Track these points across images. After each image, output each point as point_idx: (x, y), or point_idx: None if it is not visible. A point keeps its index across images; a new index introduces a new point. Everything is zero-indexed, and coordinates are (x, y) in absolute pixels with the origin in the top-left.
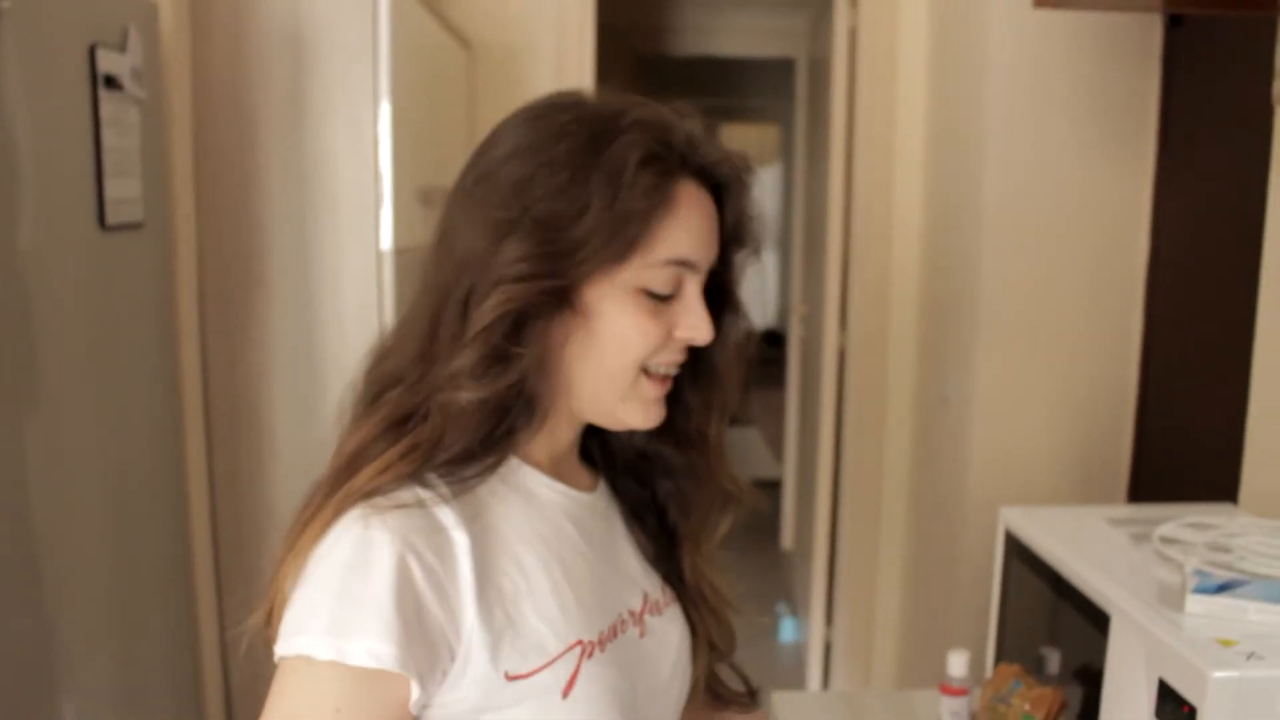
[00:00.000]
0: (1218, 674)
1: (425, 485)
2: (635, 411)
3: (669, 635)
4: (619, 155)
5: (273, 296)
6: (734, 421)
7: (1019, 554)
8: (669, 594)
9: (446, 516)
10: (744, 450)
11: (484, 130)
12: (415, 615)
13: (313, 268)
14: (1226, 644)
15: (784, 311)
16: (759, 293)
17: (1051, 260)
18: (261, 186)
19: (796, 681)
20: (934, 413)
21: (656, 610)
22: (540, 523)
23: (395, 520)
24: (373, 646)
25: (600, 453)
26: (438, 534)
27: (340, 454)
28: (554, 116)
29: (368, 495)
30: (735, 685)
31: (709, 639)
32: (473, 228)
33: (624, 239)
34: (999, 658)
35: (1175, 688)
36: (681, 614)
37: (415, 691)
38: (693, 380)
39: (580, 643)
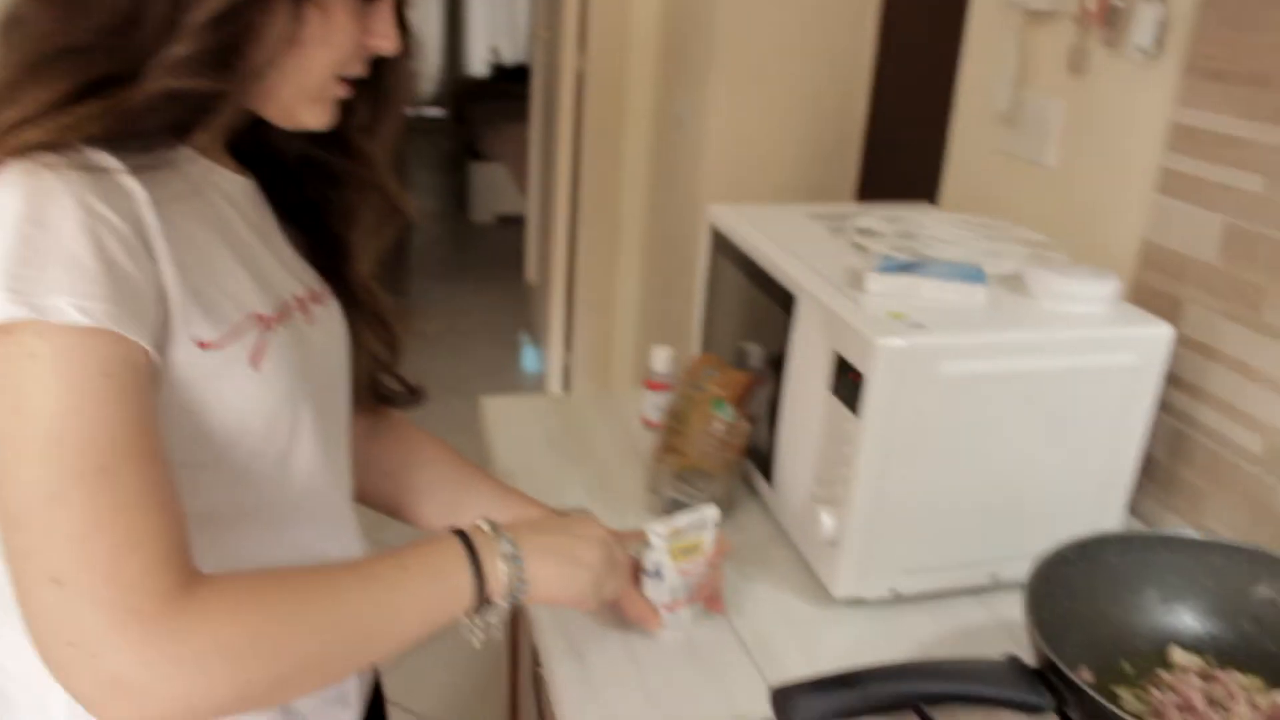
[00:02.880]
0: (882, 341)
1: (95, 152)
2: (316, 113)
3: (333, 327)
4: None
5: None
6: (480, 157)
7: (723, 250)
8: (325, 289)
9: (125, 181)
10: (491, 186)
11: None
12: (119, 269)
13: None
14: (897, 317)
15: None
16: (509, 26)
17: None
18: None
19: None
20: (670, 134)
21: (320, 300)
22: (203, 205)
23: (72, 174)
24: (84, 304)
25: (250, 147)
26: (117, 193)
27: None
28: None
29: (30, 151)
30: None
31: (370, 348)
32: None
33: None
34: (704, 352)
35: (847, 358)
36: (340, 312)
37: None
38: (365, 94)
39: (260, 315)
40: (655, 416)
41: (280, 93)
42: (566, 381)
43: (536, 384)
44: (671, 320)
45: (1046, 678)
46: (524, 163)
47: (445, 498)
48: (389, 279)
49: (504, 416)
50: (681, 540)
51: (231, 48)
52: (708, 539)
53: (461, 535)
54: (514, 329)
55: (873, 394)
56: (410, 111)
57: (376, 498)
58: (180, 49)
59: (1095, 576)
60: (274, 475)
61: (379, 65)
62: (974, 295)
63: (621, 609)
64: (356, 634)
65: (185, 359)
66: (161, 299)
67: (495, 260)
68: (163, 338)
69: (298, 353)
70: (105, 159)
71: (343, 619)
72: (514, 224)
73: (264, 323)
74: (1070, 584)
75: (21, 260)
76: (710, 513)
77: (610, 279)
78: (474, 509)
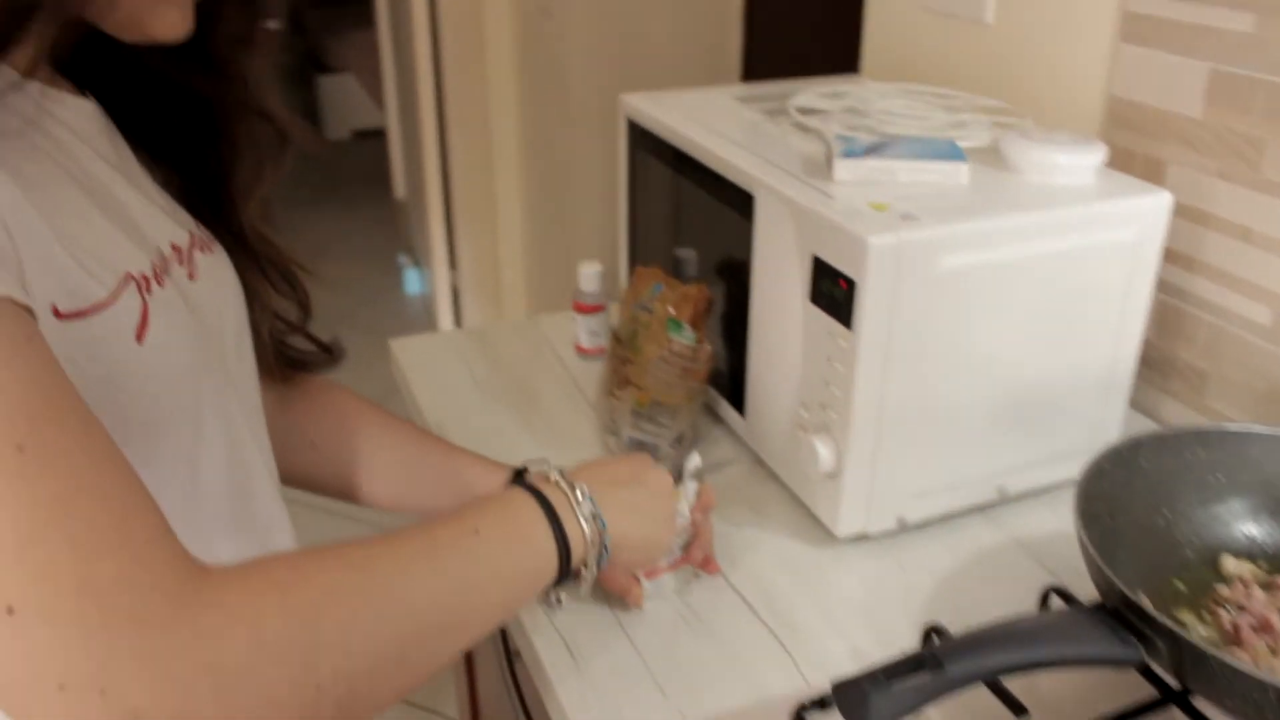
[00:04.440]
0: (874, 239)
1: None
2: (169, 19)
3: (225, 279)
4: None
5: None
6: (327, 69)
7: (646, 145)
8: (208, 234)
9: None
10: (342, 100)
11: None
12: None
13: None
14: (879, 208)
15: None
16: None
17: None
18: None
19: (429, 330)
20: (536, 25)
21: (207, 248)
22: (43, 140)
23: None
24: None
25: (91, 67)
26: None
27: None
28: None
29: None
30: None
31: (276, 309)
32: None
33: None
34: (633, 266)
35: (829, 261)
36: (228, 259)
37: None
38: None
39: (131, 276)
40: (590, 343)
41: None
42: (456, 303)
43: (424, 307)
44: (565, 228)
45: (1125, 619)
46: (377, 72)
47: (396, 470)
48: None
49: (418, 359)
50: None
51: None
52: (688, 491)
53: (530, 489)
54: (391, 251)
55: (867, 301)
56: None
57: (306, 475)
58: None
59: (1133, 487)
60: (179, 469)
61: None
62: (957, 174)
63: (602, 582)
64: (434, 619)
65: (47, 333)
66: (10, 242)
67: (358, 179)
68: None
69: (188, 316)
70: None
71: (416, 601)
72: (373, 138)
73: (141, 284)
74: (1112, 499)
75: None
76: (692, 461)
77: (489, 188)
78: (433, 480)
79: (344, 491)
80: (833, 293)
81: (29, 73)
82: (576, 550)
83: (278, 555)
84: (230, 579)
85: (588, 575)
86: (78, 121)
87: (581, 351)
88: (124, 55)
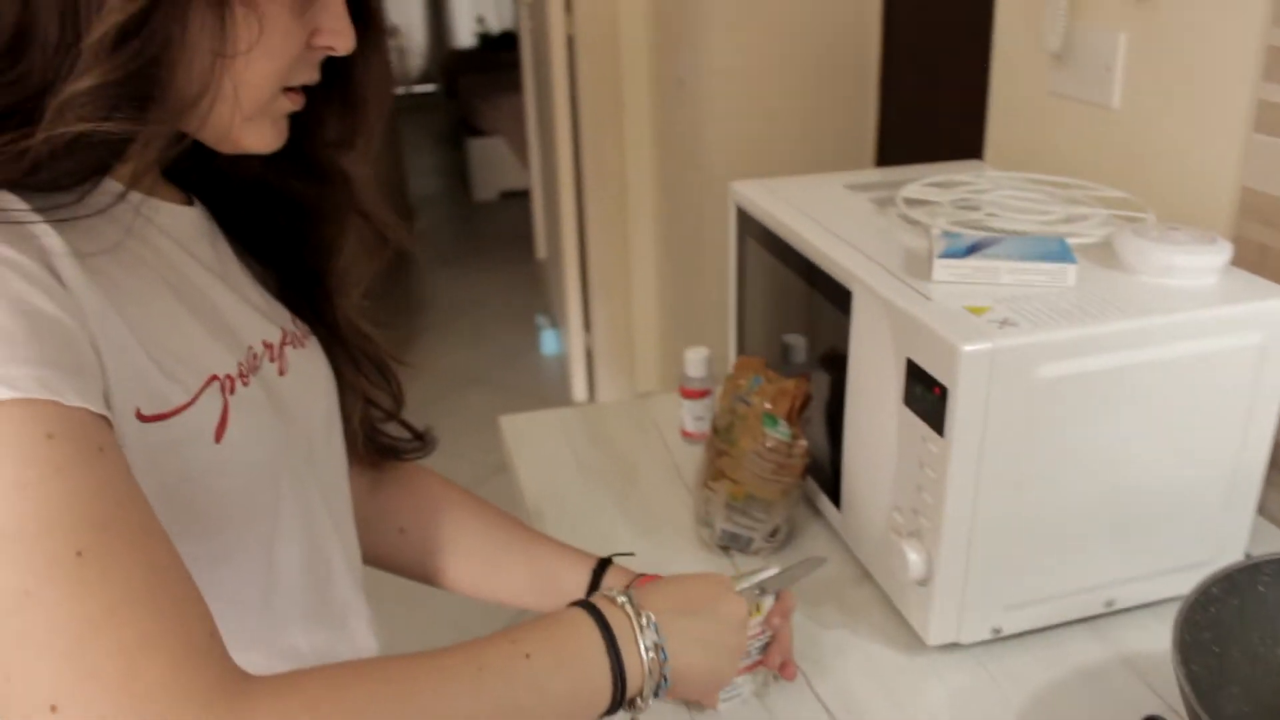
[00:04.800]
0: (967, 347)
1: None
2: (262, 134)
3: (316, 373)
4: None
5: None
6: (477, 132)
7: (754, 232)
8: (303, 328)
9: (38, 230)
10: (491, 162)
11: None
12: (42, 318)
13: None
14: (977, 311)
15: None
16: None
17: None
18: None
19: (562, 394)
20: (671, 97)
21: (298, 343)
22: (141, 248)
23: None
24: (4, 371)
25: (195, 171)
26: (28, 244)
27: None
28: None
29: None
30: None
31: (369, 397)
32: None
33: None
34: (740, 351)
35: (924, 367)
36: (322, 352)
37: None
38: (328, 104)
39: (216, 377)
40: (695, 427)
41: (216, 115)
42: (590, 366)
43: (559, 368)
44: (695, 298)
45: None
46: (523, 135)
47: (478, 556)
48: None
49: (526, 435)
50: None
51: (146, 75)
52: (768, 604)
53: (592, 610)
54: (530, 311)
55: (959, 409)
56: (400, 89)
57: (392, 559)
58: (84, 82)
59: (1247, 615)
60: (256, 560)
61: (344, 65)
62: (1064, 277)
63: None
64: None
65: (125, 435)
66: (98, 362)
67: (503, 239)
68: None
69: (270, 413)
70: (8, 199)
71: None
72: (519, 199)
73: (225, 385)
74: (1222, 627)
75: None
76: (770, 576)
77: (624, 253)
78: (515, 567)
79: (428, 576)
80: (926, 397)
81: (132, 183)
82: (633, 681)
83: (319, 669)
84: (265, 693)
85: (643, 705)
86: (178, 228)
87: (686, 436)
88: (225, 161)
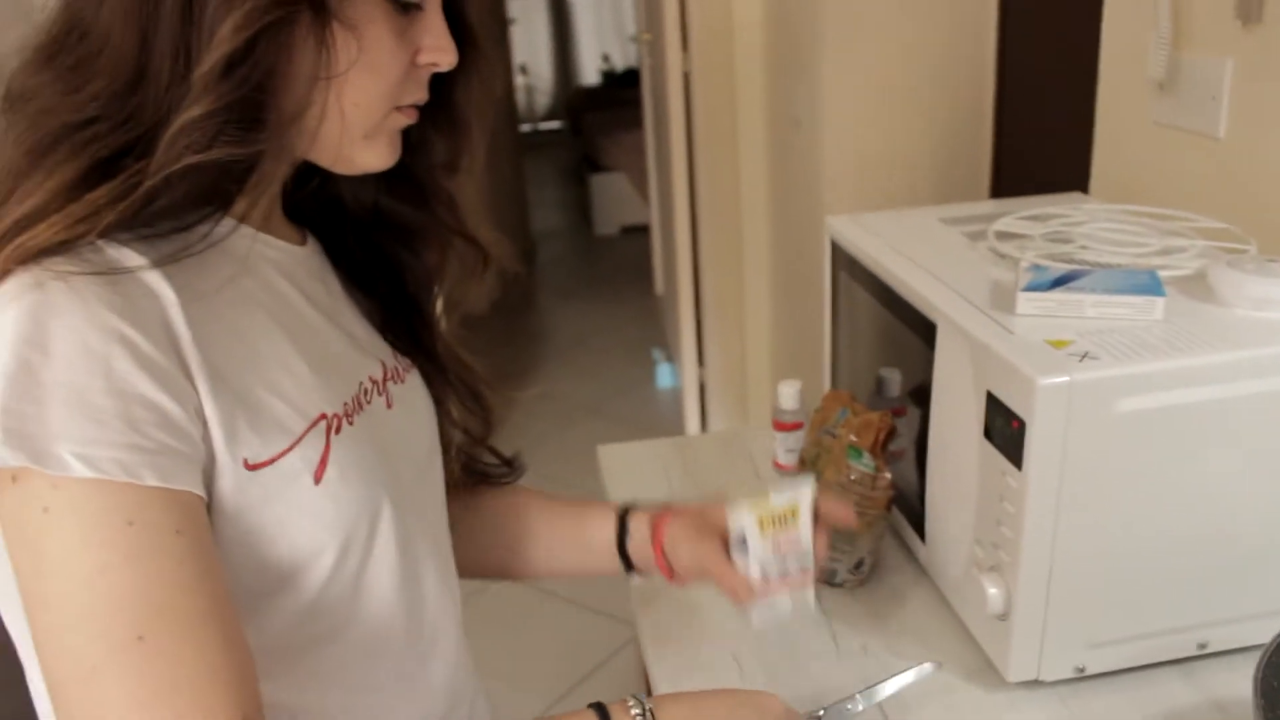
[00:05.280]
0: (1044, 380)
1: (116, 247)
2: (376, 151)
3: (417, 404)
4: None
5: None
6: (600, 168)
7: (847, 266)
8: (405, 361)
9: (151, 279)
10: (612, 197)
11: None
12: (137, 400)
13: None
14: (1058, 345)
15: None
16: (616, 31)
17: None
18: None
19: (676, 426)
20: (786, 135)
21: (398, 378)
22: (254, 285)
23: (84, 286)
24: (88, 452)
25: (311, 205)
26: (141, 300)
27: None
28: None
29: (40, 256)
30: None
31: (463, 423)
32: None
33: None
34: (834, 384)
35: (1003, 400)
36: (424, 384)
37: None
38: (434, 126)
39: (324, 416)
40: (786, 459)
41: (327, 136)
42: (703, 400)
43: (674, 401)
44: (805, 334)
45: None
46: (644, 170)
47: (543, 545)
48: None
49: (622, 465)
50: (768, 508)
51: (255, 100)
52: (804, 509)
53: (601, 711)
54: (647, 344)
55: (1036, 443)
56: (527, 127)
57: (481, 570)
58: (194, 111)
59: None
60: (352, 595)
61: (449, 87)
62: (1151, 310)
63: (714, 580)
64: None
65: (232, 485)
66: (199, 422)
67: (623, 273)
68: (207, 465)
69: (373, 448)
70: (127, 255)
71: None
72: (639, 234)
73: (332, 424)
74: None
75: (21, 394)
76: (806, 484)
77: (739, 289)
78: (566, 546)
79: (505, 574)
80: (1005, 431)
81: (244, 217)
82: None
83: None
84: None
85: None
86: (292, 266)
87: (778, 468)
88: (341, 188)
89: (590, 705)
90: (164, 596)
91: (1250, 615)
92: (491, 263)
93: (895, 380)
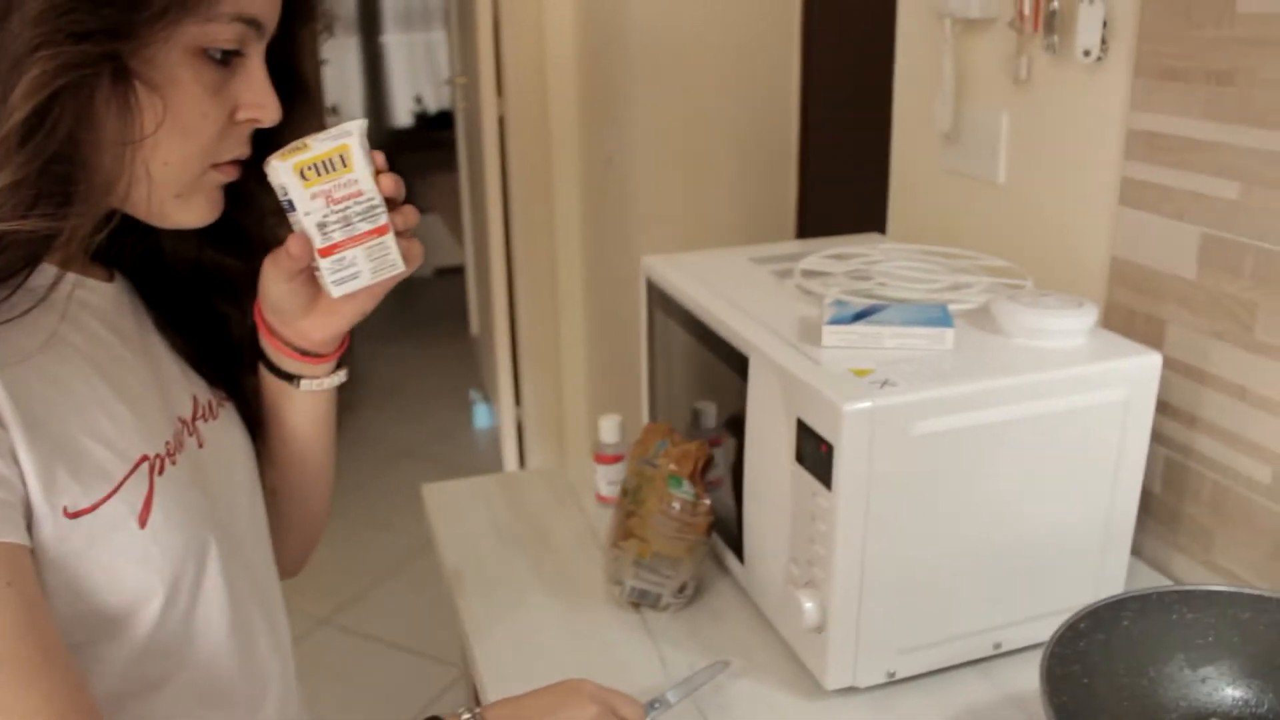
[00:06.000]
0: (849, 406)
1: None
2: (195, 208)
3: (231, 439)
4: None
5: None
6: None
7: (663, 305)
8: (220, 393)
9: None
10: (426, 239)
11: None
12: None
13: None
14: (861, 374)
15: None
16: (429, 73)
17: (706, 6)
18: None
19: (494, 466)
20: (600, 175)
21: (211, 414)
22: (70, 332)
23: None
24: None
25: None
26: None
27: None
28: None
29: None
30: None
31: None
32: None
33: None
34: (653, 418)
35: (812, 426)
36: (238, 418)
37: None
38: (258, 179)
39: (145, 458)
40: (609, 491)
41: (135, 197)
42: (520, 439)
43: (492, 441)
44: (621, 370)
45: None
46: (458, 212)
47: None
48: None
49: (448, 504)
50: (308, 154)
51: (58, 168)
52: (354, 151)
53: None
54: (464, 386)
55: (844, 464)
56: None
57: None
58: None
59: (1113, 647)
60: (183, 638)
61: (274, 135)
62: (942, 340)
63: (270, 266)
64: None
65: (52, 534)
66: (18, 473)
67: (438, 315)
68: (26, 515)
69: (193, 490)
70: None
71: None
72: (454, 275)
73: (154, 465)
74: (1088, 659)
75: None
76: (354, 123)
77: (554, 328)
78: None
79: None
80: (815, 454)
81: (65, 264)
82: None
83: None
84: None
85: None
86: (104, 306)
87: (602, 500)
88: (160, 239)
89: (426, 719)
90: (2, 647)
91: (1038, 615)
92: None
93: (711, 412)
